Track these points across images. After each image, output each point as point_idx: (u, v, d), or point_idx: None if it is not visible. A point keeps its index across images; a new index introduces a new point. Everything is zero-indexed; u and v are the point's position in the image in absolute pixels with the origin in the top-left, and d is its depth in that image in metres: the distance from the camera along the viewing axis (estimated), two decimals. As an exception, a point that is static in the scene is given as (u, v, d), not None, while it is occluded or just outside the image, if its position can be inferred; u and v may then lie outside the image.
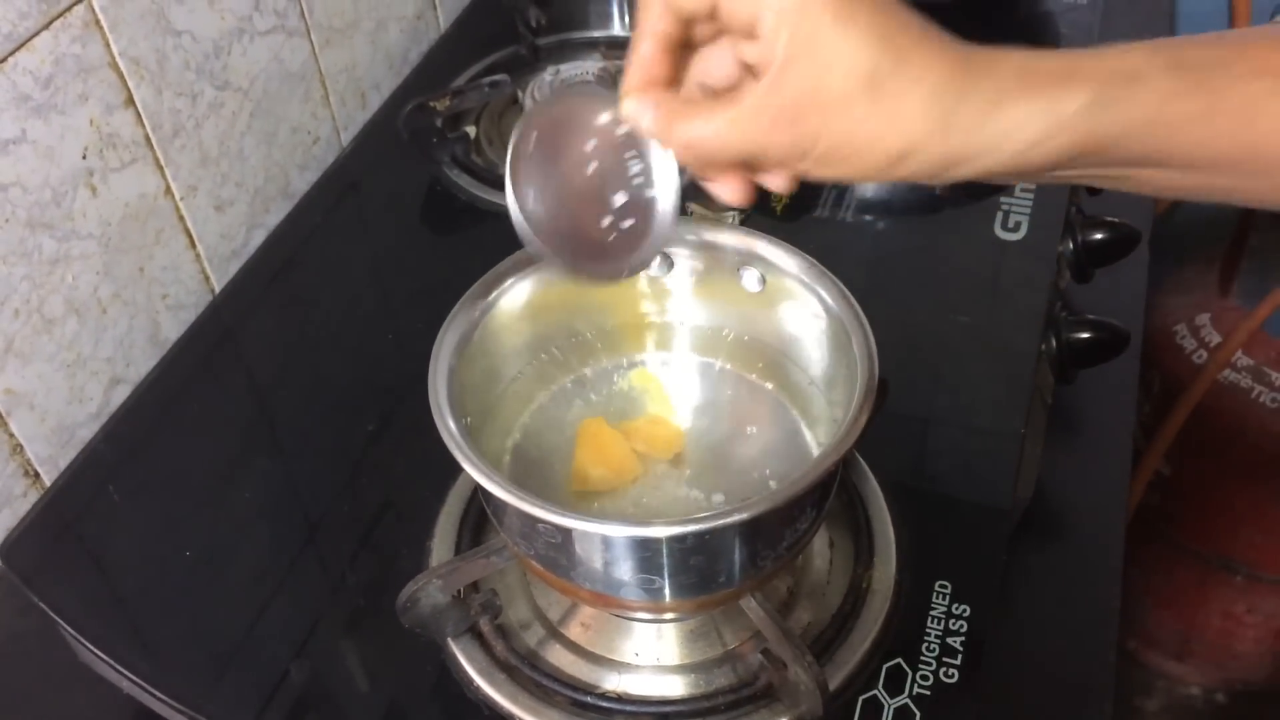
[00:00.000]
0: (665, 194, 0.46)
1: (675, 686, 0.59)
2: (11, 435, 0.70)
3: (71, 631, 0.63)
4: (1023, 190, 0.84)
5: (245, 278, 0.86)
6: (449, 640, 0.60)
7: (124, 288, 0.77)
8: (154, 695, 0.60)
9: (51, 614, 0.63)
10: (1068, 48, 0.39)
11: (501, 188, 0.97)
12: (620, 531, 0.48)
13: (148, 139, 0.76)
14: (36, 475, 0.72)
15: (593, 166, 0.46)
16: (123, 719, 0.63)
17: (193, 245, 0.82)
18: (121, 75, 0.73)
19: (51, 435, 0.73)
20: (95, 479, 0.72)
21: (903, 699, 0.57)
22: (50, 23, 0.67)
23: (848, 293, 0.55)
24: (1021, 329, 0.74)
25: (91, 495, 0.71)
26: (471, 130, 0.95)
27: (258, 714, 0.59)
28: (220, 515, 0.69)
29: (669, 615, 0.59)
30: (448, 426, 0.50)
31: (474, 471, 0.48)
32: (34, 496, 0.72)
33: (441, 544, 0.65)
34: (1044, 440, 0.72)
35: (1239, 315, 1.25)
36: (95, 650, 0.62)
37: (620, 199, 0.46)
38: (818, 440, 0.59)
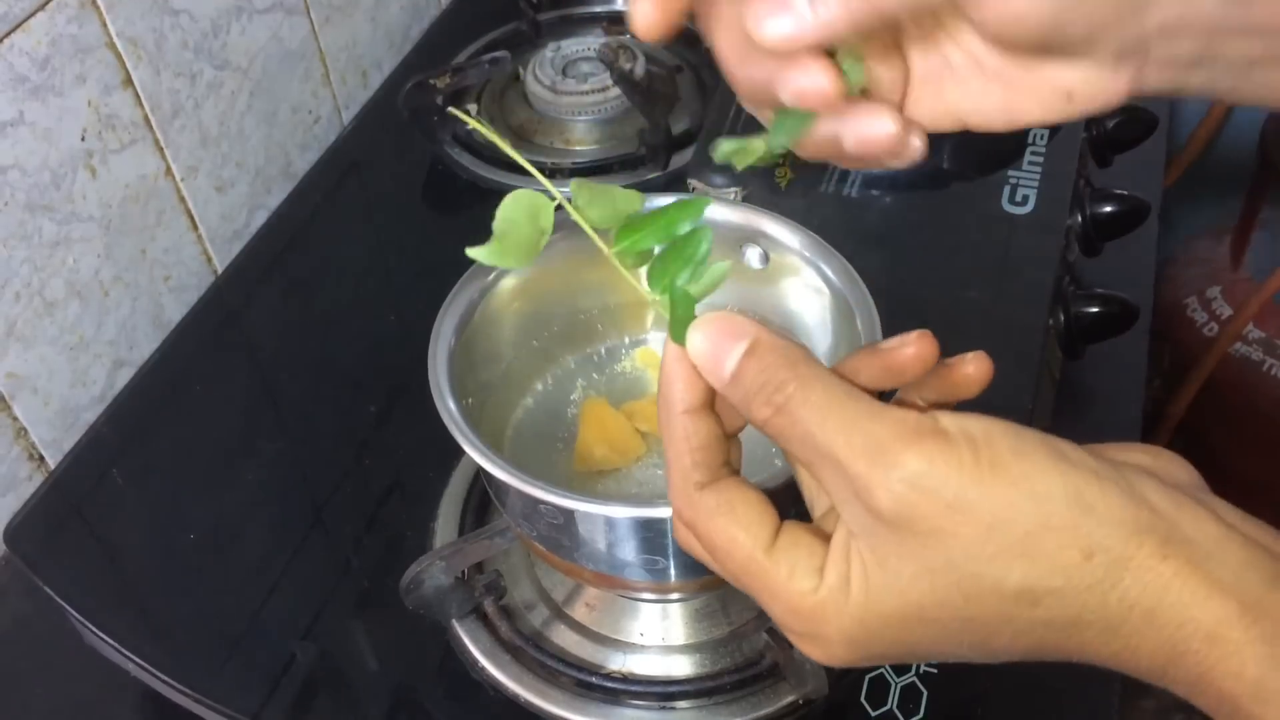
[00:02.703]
0: None
1: (681, 666, 0.58)
2: (15, 419, 0.70)
3: (76, 615, 0.63)
4: (1030, 163, 0.83)
5: (247, 259, 0.86)
6: (453, 621, 0.60)
7: (125, 270, 0.76)
8: (160, 678, 0.60)
9: (56, 598, 0.63)
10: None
11: (502, 166, 0.96)
12: (623, 513, 0.48)
13: (147, 120, 0.76)
14: (41, 459, 0.72)
15: None
16: (129, 702, 0.63)
17: (194, 226, 0.82)
18: (119, 55, 0.72)
19: (55, 418, 0.73)
20: (99, 462, 0.72)
21: (909, 678, 0.57)
22: (46, 3, 0.66)
23: (851, 269, 0.54)
24: (1029, 304, 0.73)
25: (96, 478, 0.71)
26: (473, 108, 0.95)
27: (264, 696, 0.59)
28: (224, 497, 0.69)
29: (674, 595, 0.58)
30: (448, 408, 0.50)
31: (474, 453, 0.48)
32: (38, 480, 0.72)
33: (445, 525, 0.65)
34: (1052, 416, 0.71)
35: (1250, 287, 1.24)
36: (100, 634, 0.62)
37: None
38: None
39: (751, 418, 0.34)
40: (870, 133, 0.35)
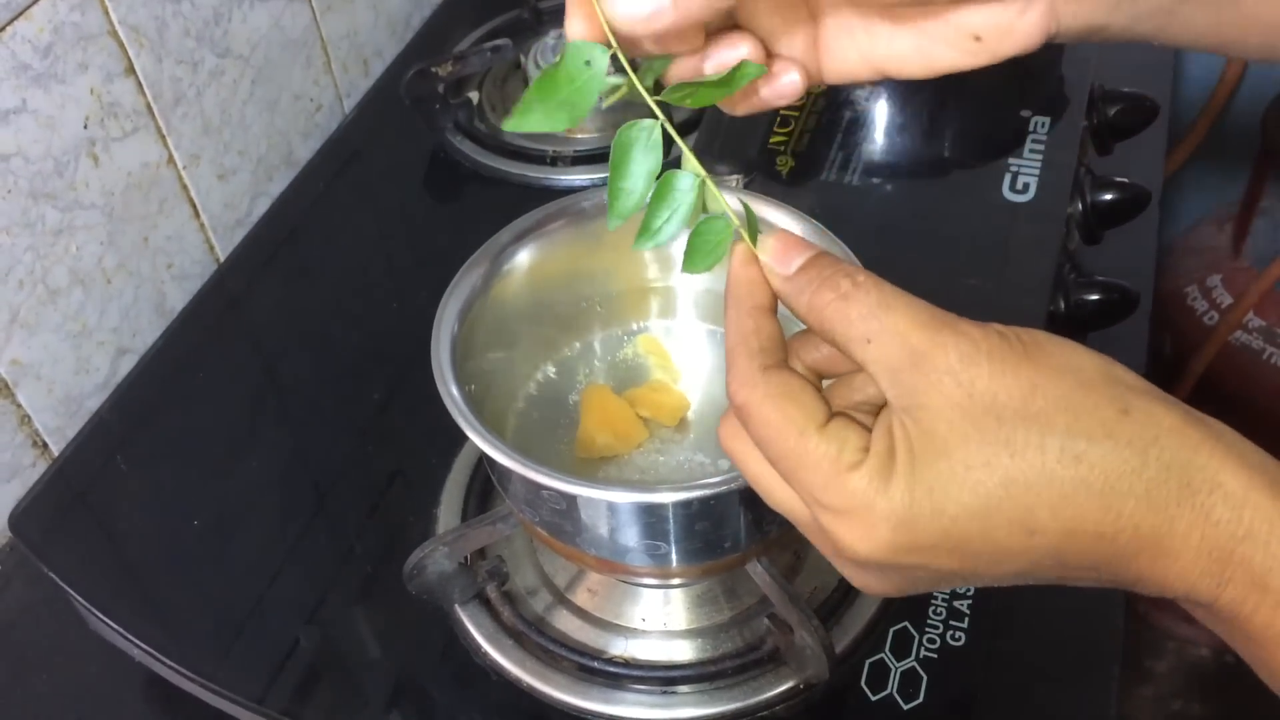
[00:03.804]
0: None
1: (682, 651, 0.59)
2: (19, 406, 0.70)
3: (81, 601, 0.63)
4: (1031, 151, 0.83)
5: (250, 247, 0.86)
6: (456, 607, 0.60)
7: (128, 258, 0.76)
8: (165, 663, 0.61)
9: (61, 583, 0.64)
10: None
11: (504, 154, 0.96)
12: (625, 498, 0.48)
13: (149, 108, 0.76)
14: (45, 445, 0.72)
15: None
16: (133, 687, 0.64)
17: (196, 215, 0.82)
18: (121, 43, 0.72)
19: (59, 405, 0.73)
20: (103, 449, 0.72)
21: (909, 662, 0.57)
22: (48, -9, 0.66)
23: (853, 256, 0.54)
24: (1030, 291, 0.73)
25: (100, 465, 0.71)
26: (474, 96, 0.95)
27: (268, 681, 0.59)
28: (228, 484, 0.69)
29: (676, 581, 0.59)
30: (451, 394, 0.50)
31: (477, 438, 0.48)
32: (42, 467, 0.72)
33: (448, 511, 0.65)
34: (1052, 403, 0.71)
35: (1250, 276, 1.24)
36: (105, 619, 0.62)
37: None
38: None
39: (810, 304, 0.36)
40: (785, 88, 0.41)
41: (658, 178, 0.38)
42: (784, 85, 0.41)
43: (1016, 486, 0.32)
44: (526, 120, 0.37)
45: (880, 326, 0.34)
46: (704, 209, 0.39)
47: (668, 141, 0.39)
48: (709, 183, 0.39)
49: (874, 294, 0.35)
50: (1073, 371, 0.33)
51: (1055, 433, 0.32)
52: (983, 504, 0.32)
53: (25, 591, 0.68)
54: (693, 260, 0.39)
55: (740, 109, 0.42)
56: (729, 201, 0.39)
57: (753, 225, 0.38)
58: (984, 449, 0.32)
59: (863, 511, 0.34)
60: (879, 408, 0.36)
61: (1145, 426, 0.32)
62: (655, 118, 0.38)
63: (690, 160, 0.38)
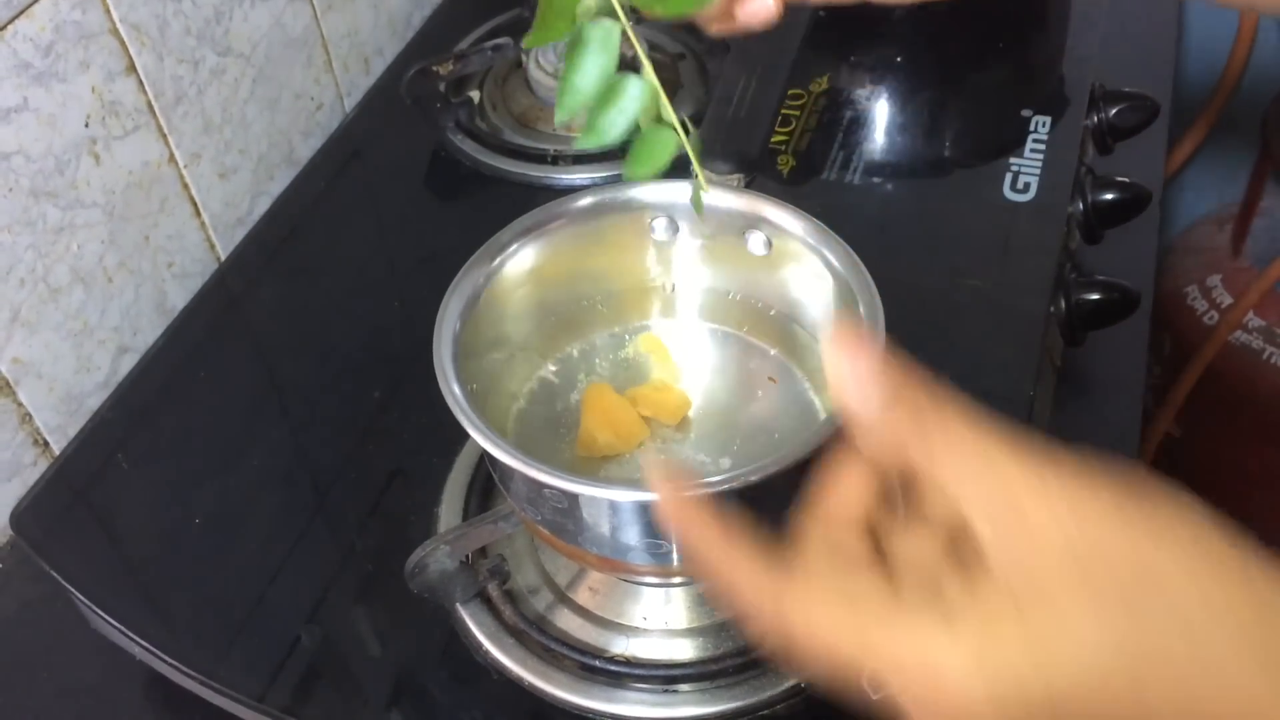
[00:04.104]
0: None
1: (683, 650, 0.59)
2: (20, 404, 0.70)
3: (83, 599, 0.63)
4: (1032, 151, 0.83)
5: (250, 245, 0.86)
6: (457, 605, 0.60)
7: (129, 256, 0.76)
8: (166, 661, 0.61)
9: (62, 581, 0.64)
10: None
11: (505, 153, 0.95)
12: (627, 496, 0.48)
13: (150, 106, 0.76)
14: (45, 444, 0.72)
15: None
16: (135, 685, 0.64)
17: (197, 213, 0.82)
18: (122, 42, 0.72)
19: (60, 404, 0.73)
20: (104, 447, 0.72)
21: (910, 661, 0.57)
22: (49, -11, 0.66)
23: (854, 255, 0.55)
24: (1030, 291, 0.73)
25: (101, 464, 0.71)
26: (475, 95, 0.95)
27: (269, 679, 0.59)
28: (229, 483, 0.69)
29: (677, 579, 0.59)
30: (452, 392, 0.50)
31: (479, 436, 0.48)
32: (43, 465, 0.72)
33: (449, 510, 0.65)
34: (1053, 403, 0.71)
35: (1251, 276, 1.24)
36: (106, 617, 0.62)
37: None
38: (824, 404, 0.59)
39: (892, 445, 0.33)
40: (758, 10, 0.42)
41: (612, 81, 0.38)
42: (757, 6, 0.41)
43: (1127, 650, 0.28)
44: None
45: (979, 469, 0.31)
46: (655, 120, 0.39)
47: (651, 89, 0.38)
48: (661, 93, 0.38)
49: (967, 432, 0.32)
50: (1189, 528, 0.30)
51: (1172, 594, 0.28)
52: (1089, 665, 0.29)
53: (26, 590, 0.68)
54: (634, 166, 0.39)
55: (715, 28, 0.42)
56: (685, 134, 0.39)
57: (696, 146, 0.38)
58: (1094, 604, 0.29)
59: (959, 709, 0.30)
60: (953, 527, 0.33)
61: (1268, 596, 0.29)
62: (617, 19, 0.38)
63: (646, 68, 0.38)
